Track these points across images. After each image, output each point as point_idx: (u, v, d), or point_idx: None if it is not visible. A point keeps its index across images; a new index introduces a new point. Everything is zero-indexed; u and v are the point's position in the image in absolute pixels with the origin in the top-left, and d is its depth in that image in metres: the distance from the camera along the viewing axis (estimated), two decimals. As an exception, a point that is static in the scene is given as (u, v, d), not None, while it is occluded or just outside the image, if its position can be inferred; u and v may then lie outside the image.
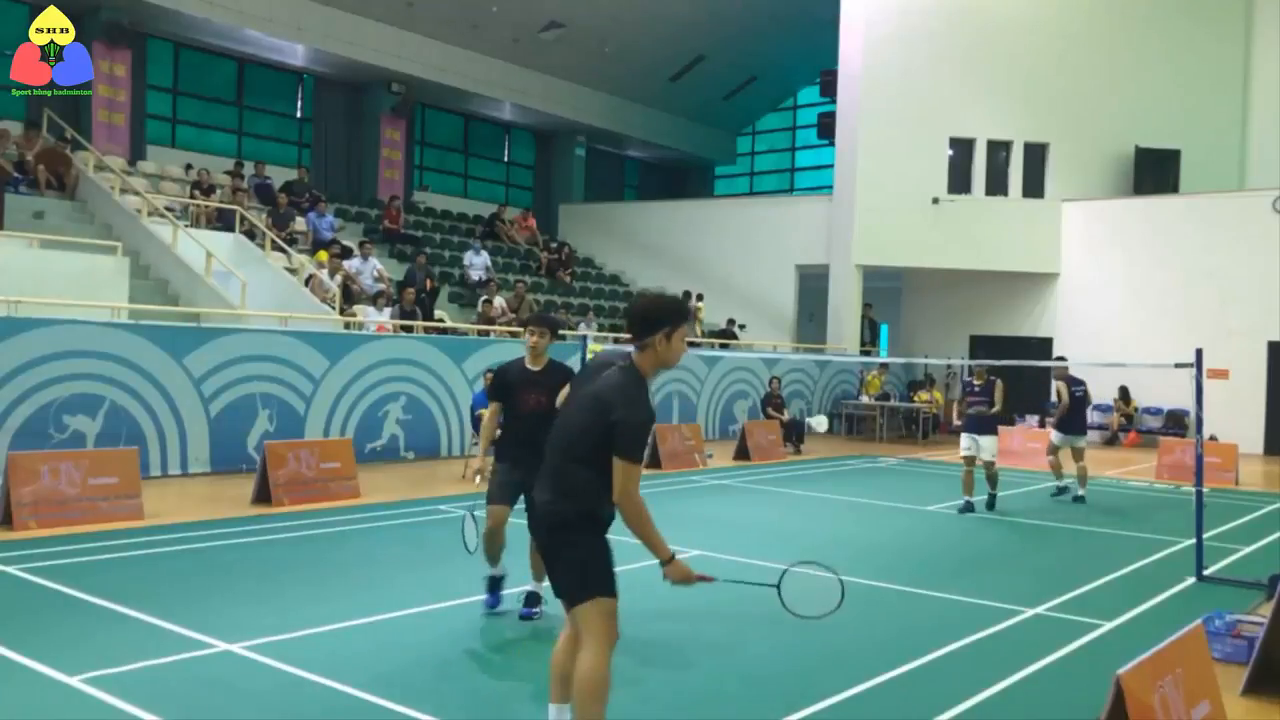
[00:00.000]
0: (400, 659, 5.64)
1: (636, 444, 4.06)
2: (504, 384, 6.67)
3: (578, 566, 4.17)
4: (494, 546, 6.58)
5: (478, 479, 6.65)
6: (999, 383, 11.99)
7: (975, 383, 11.99)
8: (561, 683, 4.36)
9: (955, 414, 12.66)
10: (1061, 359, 14.88)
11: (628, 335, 4.35)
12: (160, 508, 9.75)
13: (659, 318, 4.21)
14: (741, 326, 24.43)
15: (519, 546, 6.57)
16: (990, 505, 11.84)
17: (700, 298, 23.73)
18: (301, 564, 8.02)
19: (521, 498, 6.44)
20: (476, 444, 12.76)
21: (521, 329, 6.95)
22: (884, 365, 22.71)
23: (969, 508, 11.72)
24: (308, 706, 4.93)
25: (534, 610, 6.59)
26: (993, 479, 11.94)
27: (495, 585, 6.70)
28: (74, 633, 5.86)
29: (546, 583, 6.15)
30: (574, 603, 4.15)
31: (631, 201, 32.18)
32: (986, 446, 11.75)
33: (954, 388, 24.16)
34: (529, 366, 6.65)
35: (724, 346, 22.18)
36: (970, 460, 11.85)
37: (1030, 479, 14.64)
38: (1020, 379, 15.47)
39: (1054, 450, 13.49)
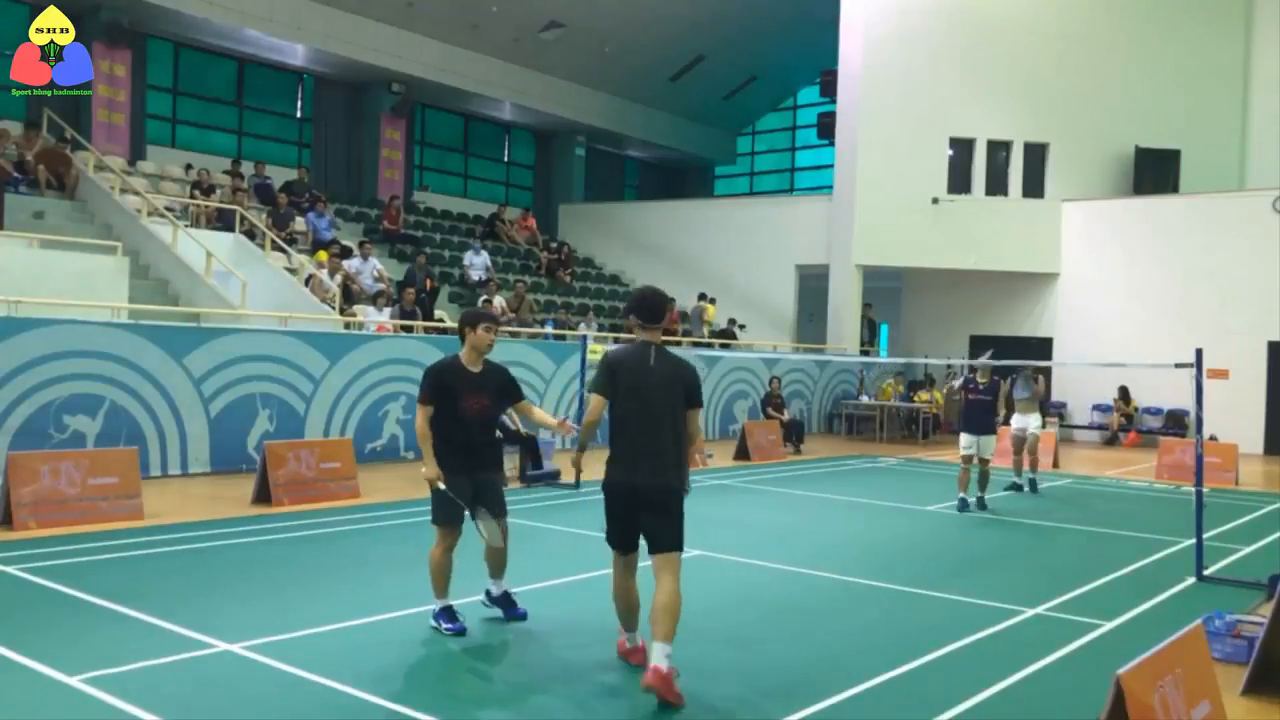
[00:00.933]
0: (400, 659, 5.65)
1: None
2: (444, 386, 6.12)
3: (681, 525, 5.36)
4: (449, 571, 6.17)
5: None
6: (1003, 383, 12.29)
7: (979, 380, 12.11)
8: (634, 613, 5.58)
9: (956, 405, 12.70)
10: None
11: (638, 322, 5.51)
12: (160, 508, 9.75)
13: (665, 306, 5.59)
14: (741, 326, 24.44)
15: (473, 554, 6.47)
16: (981, 505, 11.93)
17: (713, 300, 23.70)
18: (301, 564, 8.02)
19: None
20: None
21: (483, 325, 6.29)
22: (899, 374, 22.63)
23: (966, 505, 11.81)
24: (307, 706, 4.93)
25: (521, 609, 6.51)
26: (984, 479, 12.08)
27: (454, 613, 6.19)
28: (74, 633, 5.86)
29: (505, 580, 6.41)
30: (670, 550, 5.29)
31: (631, 201, 32.17)
32: (986, 446, 11.93)
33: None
34: (469, 367, 6.23)
35: (724, 346, 22.19)
36: (969, 460, 11.95)
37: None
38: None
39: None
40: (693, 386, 5.41)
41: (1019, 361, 13.33)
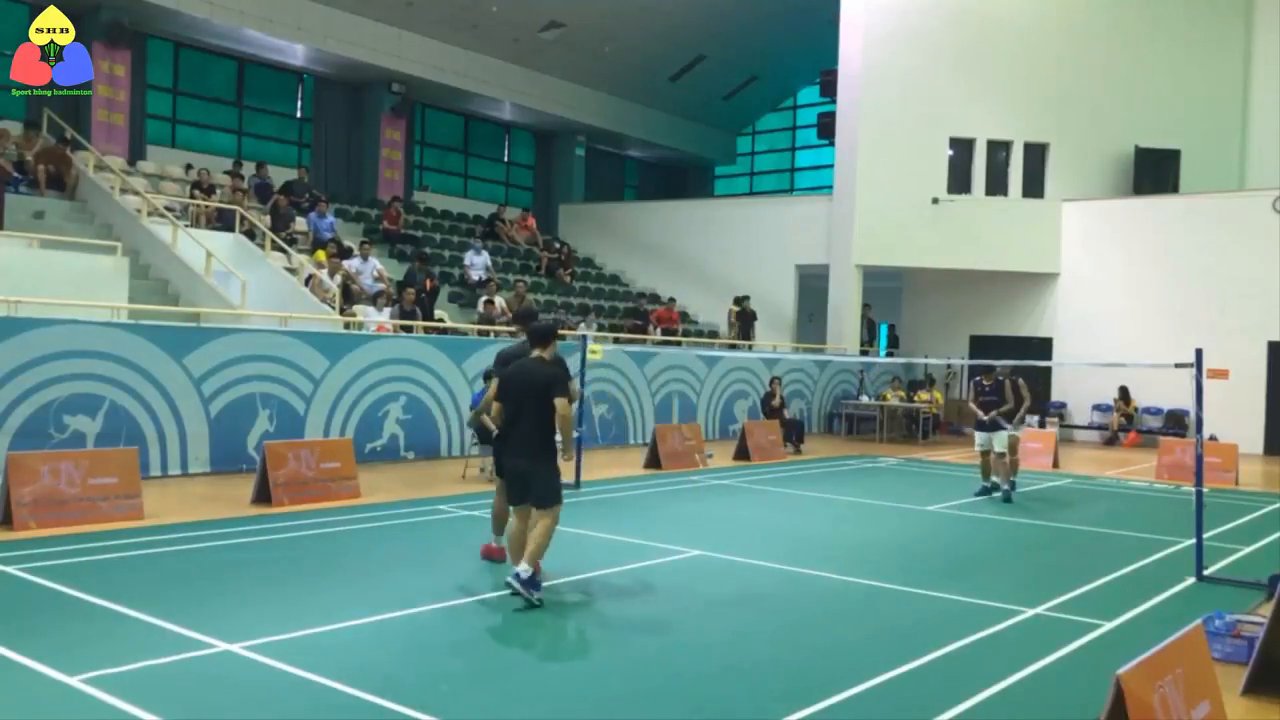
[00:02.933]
0: (400, 659, 5.65)
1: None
2: None
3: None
4: None
5: None
6: (1008, 382, 12.88)
7: (984, 382, 12.81)
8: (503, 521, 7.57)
9: (975, 408, 13.06)
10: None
11: (519, 328, 8.13)
12: (160, 508, 9.75)
13: (538, 320, 7.79)
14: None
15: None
16: (1006, 499, 12.54)
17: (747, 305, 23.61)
18: (301, 564, 8.02)
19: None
20: (476, 443, 12.86)
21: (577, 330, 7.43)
22: (894, 378, 22.57)
23: (985, 491, 12.59)
24: (308, 706, 4.93)
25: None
26: (1004, 470, 12.75)
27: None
28: (74, 633, 5.86)
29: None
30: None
31: (631, 201, 32.17)
32: (999, 441, 12.68)
33: (954, 387, 24.19)
34: None
35: (745, 331, 22.19)
36: (985, 455, 12.80)
37: (1032, 479, 14.63)
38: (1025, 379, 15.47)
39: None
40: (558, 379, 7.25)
41: (999, 361, 13.44)
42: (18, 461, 9.00)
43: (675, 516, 10.89)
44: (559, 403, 6.82)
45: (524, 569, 6.70)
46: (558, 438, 6.99)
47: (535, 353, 7.09)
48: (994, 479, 12.89)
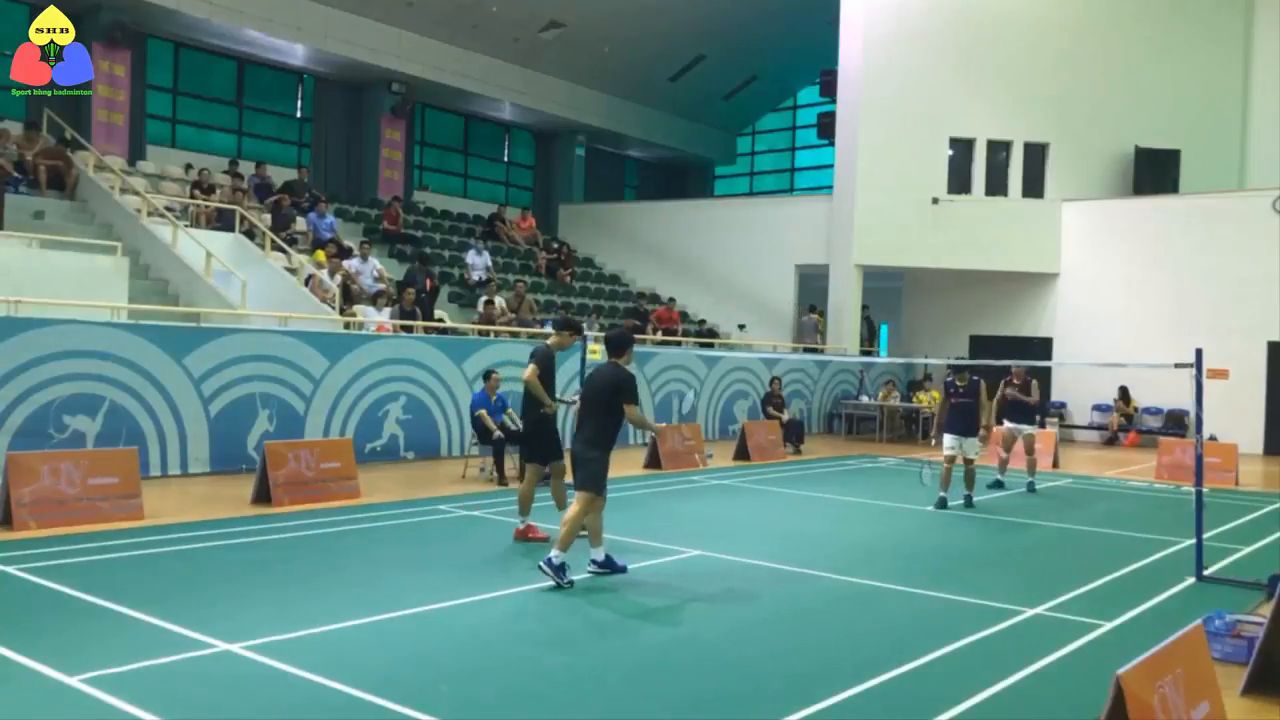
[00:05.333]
0: (400, 659, 5.64)
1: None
2: None
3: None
4: None
5: None
6: (983, 383, 12.44)
7: (958, 384, 12.32)
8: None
9: (938, 416, 12.92)
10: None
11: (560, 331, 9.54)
12: (160, 508, 9.75)
13: (571, 322, 9.60)
14: (741, 327, 24.45)
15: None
16: (968, 503, 12.10)
17: (822, 313, 23.65)
18: (301, 564, 8.02)
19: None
20: (476, 443, 12.92)
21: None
22: (889, 381, 22.57)
23: (943, 504, 11.93)
24: (308, 706, 4.93)
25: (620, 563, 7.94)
26: (971, 478, 12.25)
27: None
28: (74, 633, 5.86)
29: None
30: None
31: (631, 201, 32.17)
32: (970, 447, 12.12)
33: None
34: None
35: (706, 346, 22.17)
36: (951, 460, 12.17)
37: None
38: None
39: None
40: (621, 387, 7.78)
41: (1012, 362, 13.38)
42: (18, 461, 9.00)
43: (675, 516, 10.90)
44: (627, 409, 7.66)
45: (597, 553, 7.81)
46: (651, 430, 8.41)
47: (611, 359, 7.93)
48: (1002, 476, 12.78)
